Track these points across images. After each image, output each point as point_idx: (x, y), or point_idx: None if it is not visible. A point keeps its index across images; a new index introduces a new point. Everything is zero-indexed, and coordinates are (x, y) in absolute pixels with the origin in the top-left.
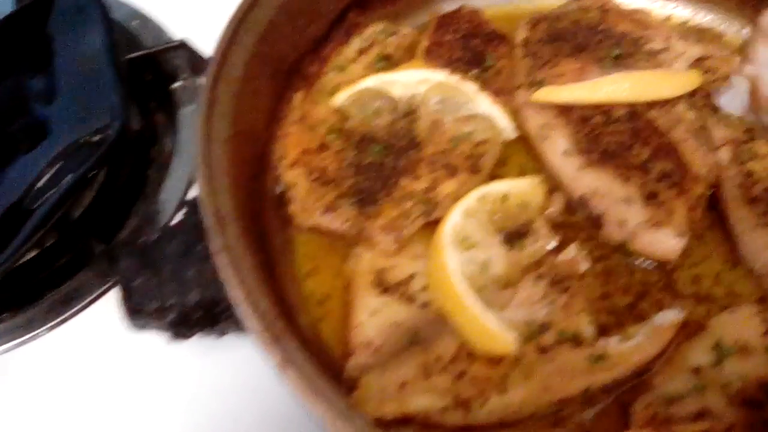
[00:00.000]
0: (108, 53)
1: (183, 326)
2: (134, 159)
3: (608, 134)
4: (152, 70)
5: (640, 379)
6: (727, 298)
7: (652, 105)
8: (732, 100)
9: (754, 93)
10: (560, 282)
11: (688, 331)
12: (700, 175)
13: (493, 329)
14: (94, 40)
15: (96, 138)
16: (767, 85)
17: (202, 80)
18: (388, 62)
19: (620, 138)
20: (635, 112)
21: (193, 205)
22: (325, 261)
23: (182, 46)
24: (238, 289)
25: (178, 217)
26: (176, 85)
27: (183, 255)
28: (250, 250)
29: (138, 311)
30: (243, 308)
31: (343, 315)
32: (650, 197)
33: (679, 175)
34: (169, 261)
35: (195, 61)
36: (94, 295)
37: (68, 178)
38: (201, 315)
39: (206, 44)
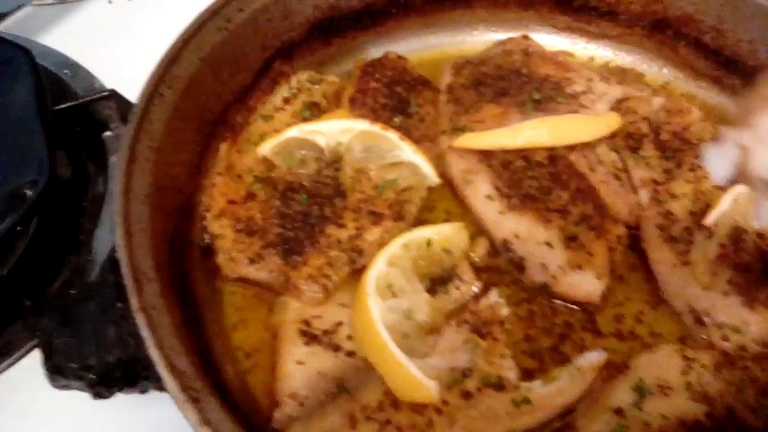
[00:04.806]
0: (36, 107)
1: (103, 386)
2: (66, 208)
3: (529, 178)
4: (83, 120)
5: (563, 420)
6: (649, 338)
7: (572, 148)
8: (718, 163)
9: (743, 163)
10: (482, 327)
11: (612, 370)
12: (619, 216)
13: (415, 377)
14: (22, 93)
15: (26, 191)
16: (757, 160)
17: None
18: (315, 110)
19: (541, 182)
20: (555, 155)
21: (113, 263)
22: (253, 313)
23: (112, 96)
24: (155, 349)
25: (100, 273)
26: (107, 134)
27: (103, 313)
28: (171, 307)
29: (58, 371)
30: (160, 369)
31: (272, 365)
32: (570, 240)
33: (598, 217)
34: (89, 319)
35: (126, 111)
36: (24, 350)
37: None
38: (121, 374)
39: (137, 92)
